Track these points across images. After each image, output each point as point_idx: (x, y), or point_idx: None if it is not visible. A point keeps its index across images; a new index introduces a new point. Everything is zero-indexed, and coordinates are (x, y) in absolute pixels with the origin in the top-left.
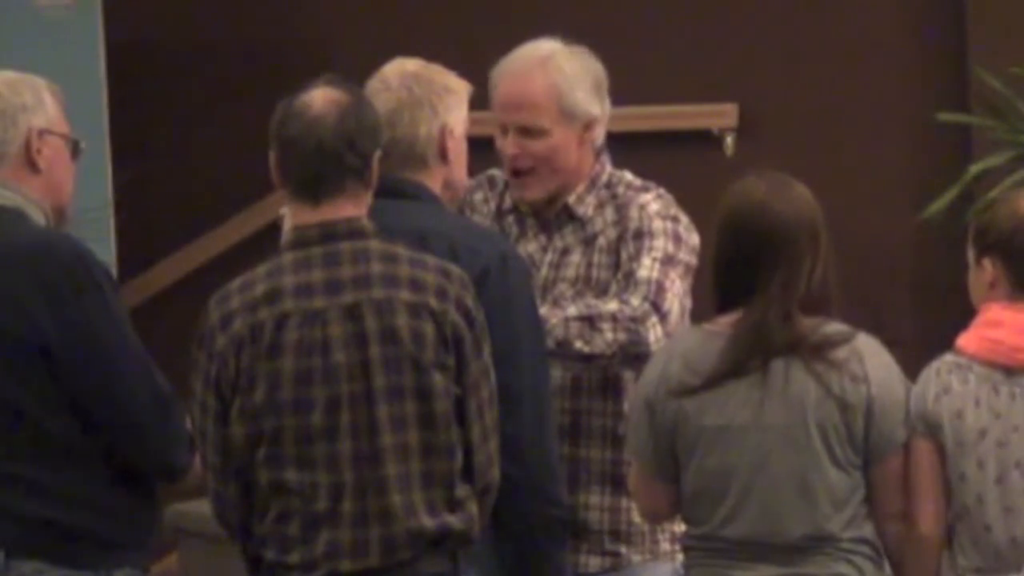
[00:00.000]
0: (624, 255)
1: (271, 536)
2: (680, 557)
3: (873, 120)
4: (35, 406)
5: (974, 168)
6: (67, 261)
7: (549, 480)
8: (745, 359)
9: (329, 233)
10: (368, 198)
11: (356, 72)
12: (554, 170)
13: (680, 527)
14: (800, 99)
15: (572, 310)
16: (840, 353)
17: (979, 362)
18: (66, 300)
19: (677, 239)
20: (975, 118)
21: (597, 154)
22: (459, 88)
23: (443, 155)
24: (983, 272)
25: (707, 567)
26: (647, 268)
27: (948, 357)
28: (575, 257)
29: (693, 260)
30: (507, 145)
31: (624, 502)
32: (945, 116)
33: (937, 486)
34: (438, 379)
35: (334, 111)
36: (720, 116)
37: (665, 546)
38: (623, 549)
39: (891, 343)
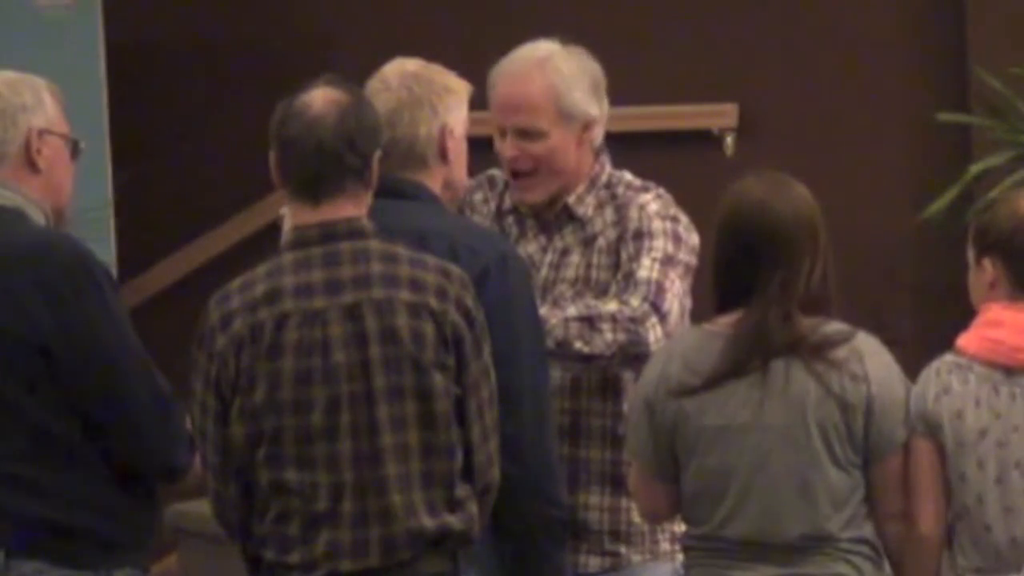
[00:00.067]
0: (624, 255)
1: (271, 536)
2: (680, 557)
3: (873, 120)
4: (35, 406)
5: (974, 168)
6: (67, 261)
7: (548, 480)
8: (745, 359)
9: (329, 233)
10: (368, 198)
11: (356, 72)
12: (553, 172)
13: (680, 527)
14: (800, 99)
15: (572, 310)
16: (840, 353)
17: (979, 362)
18: (66, 300)
19: (677, 239)
20: (975, 118)
21: (596, 154)
22: (459, 88)
23: (443, 155)
24: (983, 272)
25: (707, 567)
26: (647, 268)
27: (948, 357)
28: (575, 258)
29: (693, 260)
30: (506, 147)
31: (624, 502)
32: (945, 116)
33: (937, 486)
34: (438, 379)
35: (334, 111)
36: (720, 116)
37: (665, 546)
38: (623, 549)
39: (891, 343)
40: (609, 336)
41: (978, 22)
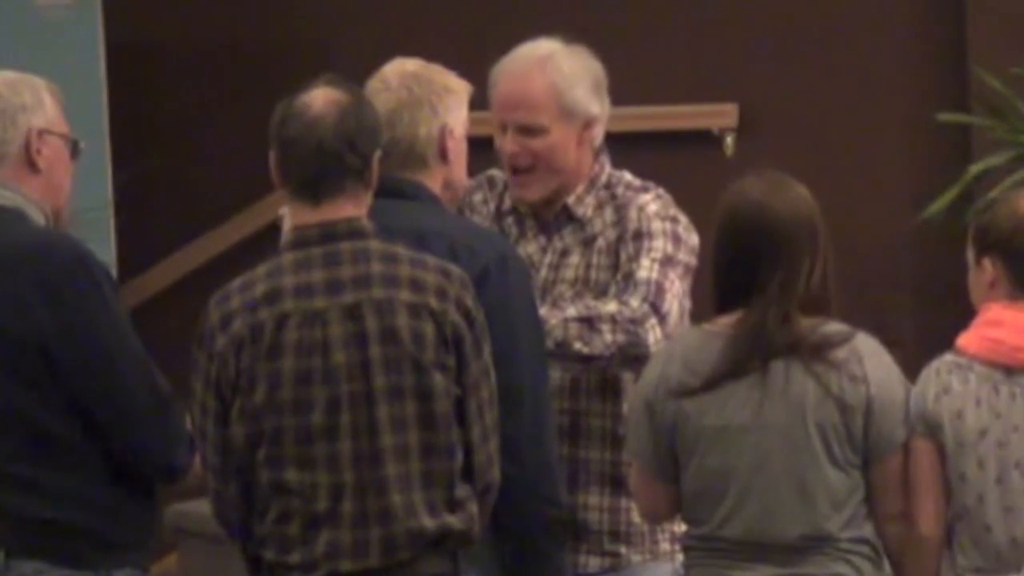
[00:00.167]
0: (623, 256)
1: (271, 536)
2: (680, 557)
3: (873, 120)
4: (35, 406)
5: (974, 168)
6: (67, 261)
7: (548, 480)
8: (745, 360)
9: (329, 233)
10: (368, 198)
11: (356, 72)
12: (553, 169)
13: (680, 527)
14: (800, 99)
15: (571, 311)
16: (839, 353)
17: (979, 362)
18: (66, 300)
19: (676, 240)
20: (975, 118)
21: (596, 154)
22: (459, 88)
23: (443, 155)
24: (983, 272)
25: (707, 567)
26: (646, 269)
27: (948, 357)
28: (574, 258)
29: (692, 261)
30: (506, 143)
31: (623, 502)
32: (945, 116)
33: (937, 486)
34: (438, 379)
35: (334, 111)
36: (720, 116)
37: (665, 546)
38: (623, 549)
39: (891, 343)
40: (608, 337)
41: (978, 22)
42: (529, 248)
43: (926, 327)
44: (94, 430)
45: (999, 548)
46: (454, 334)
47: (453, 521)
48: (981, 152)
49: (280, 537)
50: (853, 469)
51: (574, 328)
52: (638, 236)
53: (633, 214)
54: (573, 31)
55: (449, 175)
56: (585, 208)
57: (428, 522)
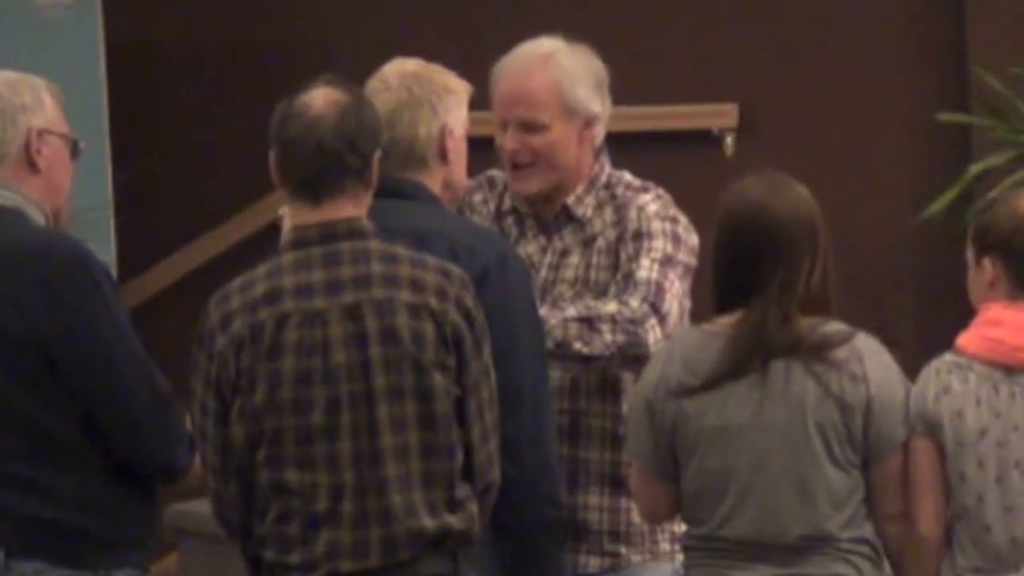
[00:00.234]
0: (623, 256)
1: (271, 536)
2: (680, 557)
3: (873, 120)
4: (35, 406)
5: (974, 168)
6: (67, 261)
7: (547, 480)
8: (744, 360)
9: (329, 233)
10: (368, 198)
11: (356, 72)
12: (553, 165)
13: (680, 527)
14: (800, 99)
15: (571, 311)
16: (839, 353)
17: (979, 361)
18: (66, 300)
19: (676, 240)
20: (975, 118)
21: (596, 154)
22: (459, 88)
23: (443, 155)
24: (983, 272)
25: (707, 567)
26: (646, 269)
27: (948, 357)
28: (574, 258)
29: (692, 261)
30: (507, 140)
31: (623, 502)
32: (945, 116)
33: (937, 486)
34: (438, 379)
35: (334, 111)
36: (720, 116)
37: (665, 546)
38: (623, 549)
39: (891, 343)
40: (608, 337)
41: (978, 22)
42: (529, 248)
43: (926, 327)
44: (94, 430)
45: (999, 548)
46: (454, 334)
47: (453, 521)
48: (981, 152)
49: (280, 537)
50: (853, 469)
51: (574, 328)
52: (638, 236)
53: (633, 214)
54: (573, 31)
55: (449, 175)
56: (585, 208)
57: (428, 522)
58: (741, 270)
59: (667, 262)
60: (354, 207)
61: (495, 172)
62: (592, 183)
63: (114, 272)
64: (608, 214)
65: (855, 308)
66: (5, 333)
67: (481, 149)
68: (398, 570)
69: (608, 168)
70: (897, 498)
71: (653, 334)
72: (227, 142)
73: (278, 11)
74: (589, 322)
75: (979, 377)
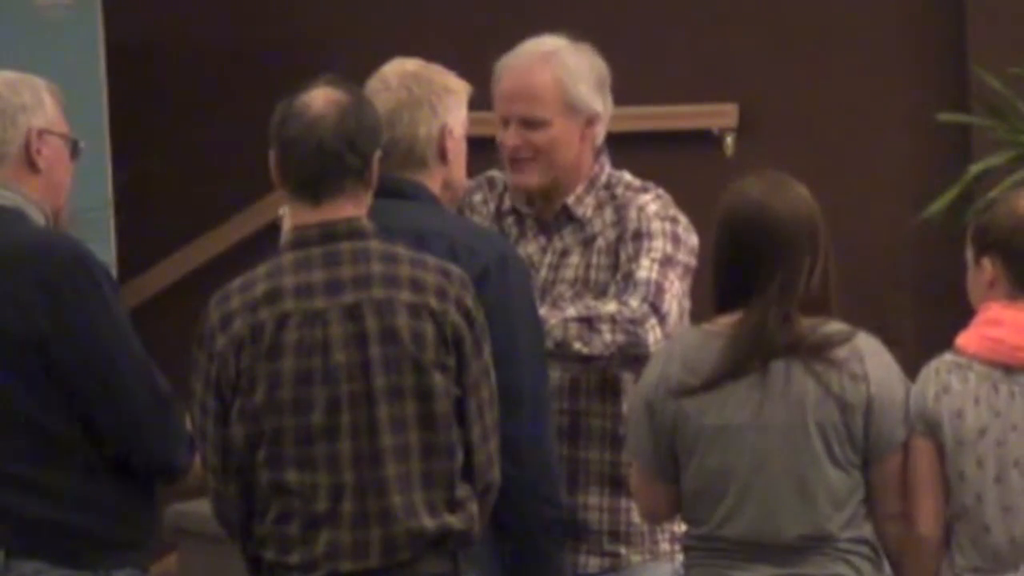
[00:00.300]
0: (623, 256)
1: (271, 536)
2: (680, 557)
3: (873, 120)
4: (35, 406)
5: (974, 168)
6: (67, 261)
7: (547, 481)
8: (745, 360)
9: (329, 233)
10: (368, 198)
11: (356, 72)
12: (553, 162)
13: (680, 527)
14: (800, 99)
15: (571, 311)
16: (840, 353)
17: (979, 361)
18: (66, 300)
19: (676, 240)
20: (975, 118)
21: (596, 155)
22: (459, 88)
23: (442, 155)
24: (982, 272)
25: (706, 567)
26: (646, 269)
27: (948, 356)
28: (574, 258)
29: (692, 261)
30: (508, 136)
31: (623, 503)
32: (945, 116)
33: (936, 486)
34: (438, 379)
35: (334, 111)
36: (720, 116)
37: (665, 546)
38: (623, 550)
39: (891, 343)
40: (608, 337)
41: (978, 22)
42: (529, 248)
43: (926, 327)
44: (94, 430)
45: (997, 547)
46: (454, 334)
47: (453, 521)
48: (981, 152)
49: (280, 537)
50: (853, 469)
51: (574, 328)
52: (638, 236)
53: (633, 214)
54: (573, 31)
55: (449, 175)
56: (585, 208)
57: (428, 522)
58: (741, 270)
59: (667, 262)
60: (354, 207)
61: (495, 172)
62: (592, 183)
63: (114, 272)
64: (608, 214)
65: (855, 308)
66: (5, 333)
67: (481, 149)
68: (398, 570)
69: (608, 168)
70: (897, 498)
71: (653, 334)
72: (227, 142)
73: (278, 11)
74: (589, 322)
75: (978, 376)
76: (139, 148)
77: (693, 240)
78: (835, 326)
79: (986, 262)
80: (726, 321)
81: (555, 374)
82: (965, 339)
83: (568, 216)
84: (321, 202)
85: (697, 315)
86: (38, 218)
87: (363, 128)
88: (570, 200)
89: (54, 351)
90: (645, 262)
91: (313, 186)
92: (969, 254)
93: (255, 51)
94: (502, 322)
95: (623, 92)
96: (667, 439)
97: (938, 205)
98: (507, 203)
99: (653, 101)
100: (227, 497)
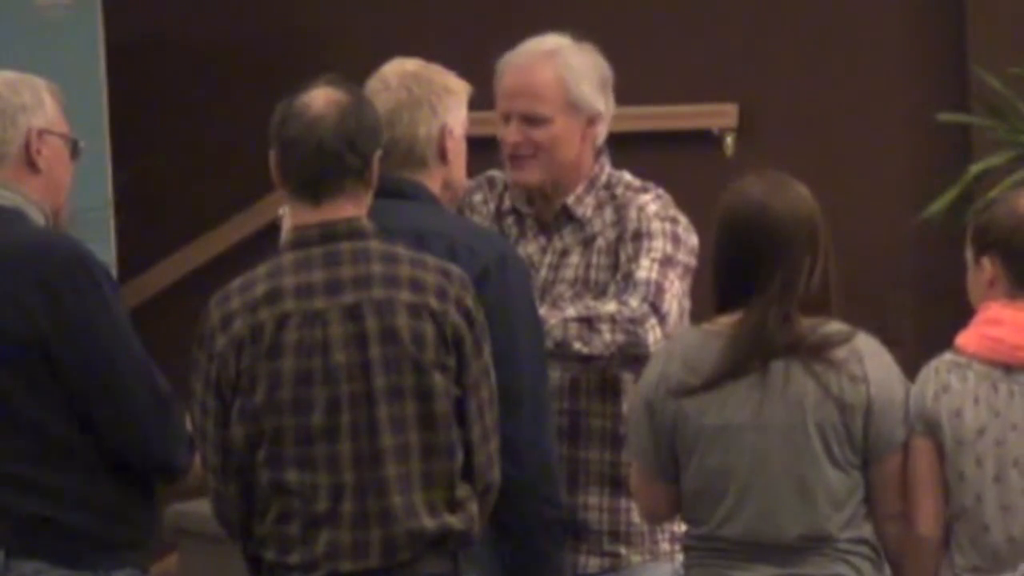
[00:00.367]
0: (623, 256)
1: (271, 536)
2: (680, 557)
3: (873, 120)
4: (35, 406)
5: (974, 168)
6: (67, 261)
7: (547, 481)
8: (744, 360)
9: (329, 233)
10: (368, 198)
11: (356, 72)
12: (554, 159)
13: (680, 527)
14: (800, 99)
15: (571, 311)
16: (839, 353)
17: (978, 360)
18: (66, 300)
19: (676, 240)
20: (975, 118)
21: (597, 155)
22: (459, 88)
23: (442, 155)
24: (982, 271)
25: (706, 567)
26: (646, 269)
27: (947, 356)
28: (574, 258)
29: (692, 261)
30: (509, 133)
31: (623, 503)
32: (945, 116)
33: (936, 486)
34: (438, 380)
35: (334, 111)
36: (720, 116)
37: (665, 546)
38: (623, 550)
39: (891, 343)
40: (608, 337)
41: (978, 22)
42: (529, 248)
43: (926, 327)
44: (94, 430)
45: (997, 547)
46: (454, 334)
47: (453, 521)
48: (981, 152)
49: (280, 537)
50: (853, 469)
51: (574, 328)
52: (638, 236)
53: (633, 214)
54: (573, 30)
55: (448, 175)
56: (585, 208)
57: (428, 522)
58: (741, 270)
59: (667, 262)
60: (354, 207)
61: (495, 172)
62: (592, 183)
63: (114, 272)
64: (608, 214)
65: (855, 308)
66: (5, 333)
67: (481, 149)
68: (398, 570)
69: (608, 168)
70: (896, 498)
71: (653, 334)
72: (227, 142)
73: (278, 11)
74: (589, 322)
75: (978, 376)
76: (139, 148)
77: (693, 240)
78: (835, 326)
79: (986, 262)
80: (726, 321)
81: (555, 374)
82: (965, 338)
83: (568, 216)
84: (321, 202)
85: (697, 315)
86: (38, 218)
87: (363, 128)
88: (570, 200)
89: (54, 351)
90: (645, 262)
91: (313, 186)
92: (969, 254)
93: (255, 51)
94: (502, 322)
95: (623, 92)
96: (667, 439)
97: (938, 205)
98: (507, 203)
99: (653, 101)
100: (227, 497)
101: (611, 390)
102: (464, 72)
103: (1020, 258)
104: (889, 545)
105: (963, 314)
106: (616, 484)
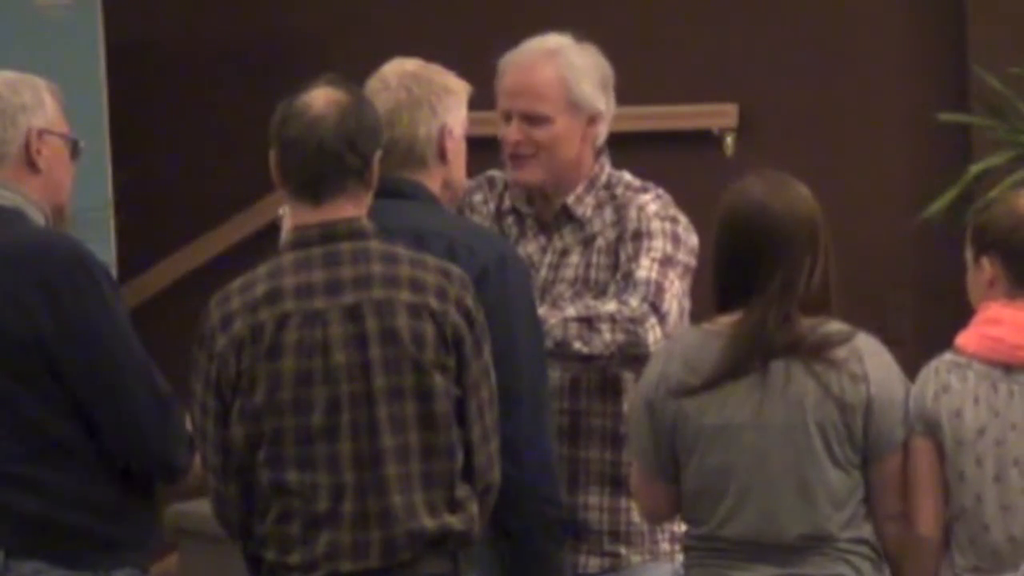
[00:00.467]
0: (623, 256)
1: (271, 536)
2: (680, 557)
3: (873, 120)
4: (35, 406)
5: (974, 168)
6: (67, 261)
7: (546, 481)
8: (745, 359)
9: (329, 233)
10: (369, 198)
11: (356, 72)
12: (555, 159)
13: (680, 527)
14: (800, 99)
15: (571, 311)
16: (840, 353)
17: (978, 360)
18: (65, 300)
19: (676, 240)
20: (975, 118)
21: (597, 154)
22: (458, 88)
23: (442, 155)
24: (981, 271)
25: (706, 567)
26: (646, 269)
27: (947, 356)
28: (574, 258)
29: (692, 261)
30: (510, 132)
31: (623, 502)
32: (945, 116)
33: (936, 486)
34: (438, 380)
35: (334, 111)
36: (720, 116)
37: (665, 546)
38: (623, 550)
39: (892, 343)
40: (608, 336)
41: (978, 22)
42: (529, 248)
43: (926, 327)
44: (94, 430)
45: (997, 547)
46: (454, 335)
47: (453, 521)
48: (981, 152)
49: (280, 537)
50: (853, 469)
51: (574, 328)
52: (637, 236)
53: (633, 214)
54: (574, 30)
55: (448, 175)
56: (585, 208)
57: (428, 523)
58: (741, 270)
59: (667, 262)
60: (354, 207)
61: (495, 172)
62: (592, 183)
63: (114, 272)
64: (608, 214)
65: (855, 308)
66: (5, 333)
67: (481, 149)
68: (398, 570)
69: (608, 168)
70: (896, 498)
71: (653, 333)
72: (227, 142)
73: (278, 11)
74: (589, 322)
75: (978, 376)
76: (139, 148)
77: (693, 240)
78: (835, 326)
79: (985, 261)
80: (726, 321)
81: (555, 374)
82: (964, 338)
83: (568, 216)
84: (321, 202)
85: (697, 315)
86: (38, 218)
87: (363, 128)
88: (570, 200)
89: (54, 351)
90: (645, 262)
91: (313, 186)
92: (968, 254)
93: (255, 51)
94: (501, 322)
95: (623, 92)
96: (667, 439)
97: (938, 205)
98: (507, 203)
99: (653, 101)
100: (227, 497)
101: (611, 390)
102: (464, 72)
103: (1019, 258)
104: (889, 545)
105: (963, 314)
106: (616, 484)
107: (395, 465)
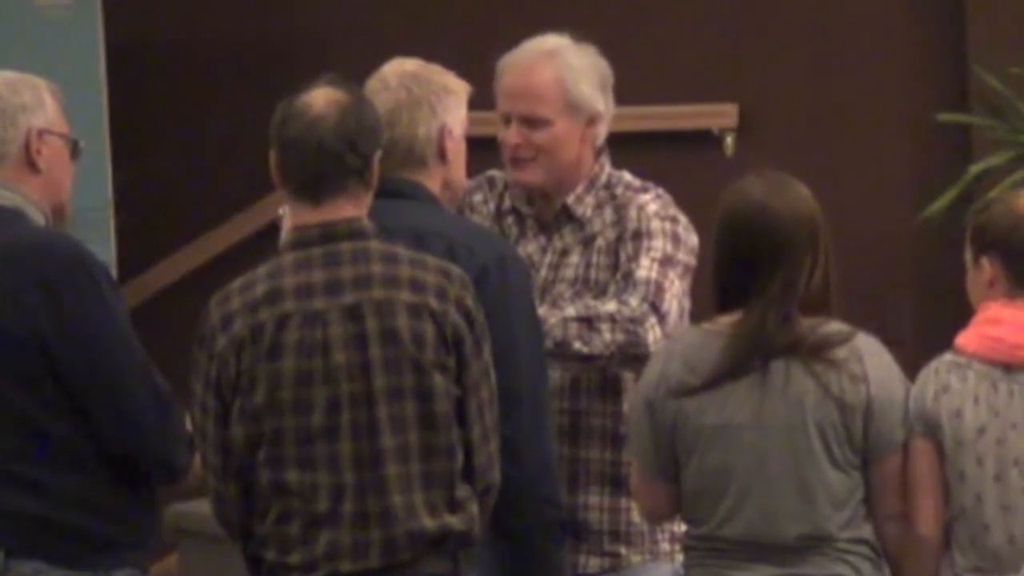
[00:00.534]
0: (623, 256)
1: (271, 536)
2: (680, 557)
3: (873, 120)
4: (35, 406)
5: (974, 168)
6: (67, 261)
7: (546, 481)
8: (745, 359)
9: (329, 234)
10: (369, 198)
11: (356, 72)
12: (555, 160)
13: (680, 527)
14: (800, 99)
15: (571, 311)
16: (839, 353)
17: (978, 360)
18: (65, 300)
19: (676, 240)
20: (975, 118)
21: (597, 155)
22: (458, 88)
23: (442, 155)
24: (981, 271)
25: (706, 567)
26: (646, 269)
27: (947, 356)
28: (574, 258)
29: (692, 261)
30: (510, 135)
31: (623, 502)
32: (945, 116)
33: (936, 486)
34: (438, 380)
35: (335, 111)
36: (720, 116)
37: (665, 546)
38: (623, 550)
39: (892, 343)
40: (608, 336)
41: (978, 22)
42: (529, 248)
43: (926, 327)
44: (94, 430)
45: (997, 547)
46: (454, 335)
47: (454, 522)
48: (981, 152)
49: (280, 537)
50: (853, 469)
51: (573, 328)
52: (637, 236)
53: (633, 214)
54: (573, 31)
55: (448, 175)
56: (585, 208)
57: (429, 523)
58: (741, 270)
59: (667, 262)
60: (354, 207)
61: (495, 172)
62: (592, 183)
63: (114, 272)
64: (608, 214)
65: (855, 308)
66: (5, 333)
67: (481, 149)
68: (398, 571)
69: (608, 168)
70: (896, 498)
71: (653, 333)
72: (227, 142)
73: (278, 11)
74: (589, 321)
75: (978, 375)
76: (139, 148)
77: (693, 240)
78: (835, 326)
79: (985, 261)
80: (726, 321)
81: (555, 374)
82: (964, 338)
83: (568, 216)
84: (321, 202)
85: (697, 315)
86: (38, 218)
87: (363, 128)
88: (570, 200)
89: (54, 351)
90: (645, 261)
91: (313, 186)
92: (968, 254)
93: (255, 51)
94: (501, 322)
95: (623, 92)
96: (667, 438)
97: (938, 205)
98: (507, 203)
99: (653, 101)
100: (227, 497)
101: (611, 389)
102: (464, 72)
103: (1019, 258)
104: (889, 545)
105: (963, 314)
106: (616, 484)
107: (395, 465)
